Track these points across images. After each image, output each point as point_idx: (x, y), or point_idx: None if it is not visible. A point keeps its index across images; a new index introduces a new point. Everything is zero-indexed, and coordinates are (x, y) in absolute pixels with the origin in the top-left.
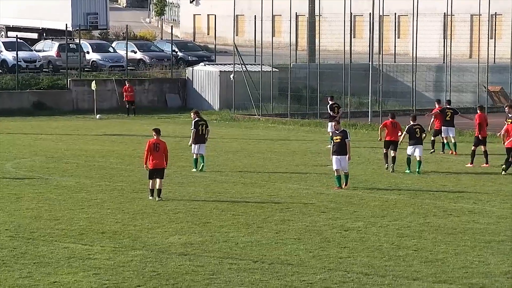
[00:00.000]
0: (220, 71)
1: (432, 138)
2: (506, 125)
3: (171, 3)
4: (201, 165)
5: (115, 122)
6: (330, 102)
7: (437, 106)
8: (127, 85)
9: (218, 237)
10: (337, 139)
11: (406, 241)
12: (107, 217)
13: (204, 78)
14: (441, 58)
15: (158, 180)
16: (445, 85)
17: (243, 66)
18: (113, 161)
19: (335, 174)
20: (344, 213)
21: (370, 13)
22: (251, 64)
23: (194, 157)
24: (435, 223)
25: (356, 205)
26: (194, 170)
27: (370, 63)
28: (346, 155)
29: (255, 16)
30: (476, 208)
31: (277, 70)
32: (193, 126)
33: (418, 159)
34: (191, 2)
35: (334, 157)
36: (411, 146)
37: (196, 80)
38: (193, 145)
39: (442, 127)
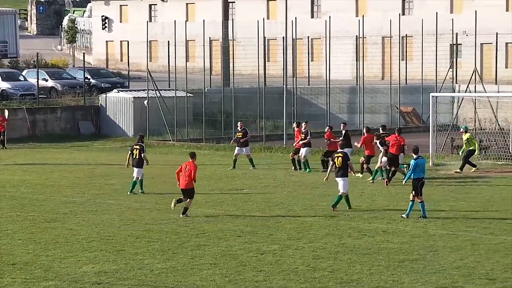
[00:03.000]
0: (133, 97)
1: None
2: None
3: (83, 30)
4: (138, 188)
5: (26, 151)
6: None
7: (365, 134)
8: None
9: (133, 264)
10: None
11: (322, 262)
12: (18, 248)
13: (118, 104)
14: (354, 80)
15: (187, 200)
16: (358, 107)
17: (157, 91)
18: (24, 191)
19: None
20: (260, 236)
21: (283, 36)
22: (165, 90)
23: (133, 180)
24: (350, 243)
25: (272, 228)
26: (128, 193)
27: (284, 86)
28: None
29: (168, 41)
30: (390, 228)
31: (191, 95)
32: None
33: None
34: (103, 29)
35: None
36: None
37: (109, 107)
38: (133, 168)
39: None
